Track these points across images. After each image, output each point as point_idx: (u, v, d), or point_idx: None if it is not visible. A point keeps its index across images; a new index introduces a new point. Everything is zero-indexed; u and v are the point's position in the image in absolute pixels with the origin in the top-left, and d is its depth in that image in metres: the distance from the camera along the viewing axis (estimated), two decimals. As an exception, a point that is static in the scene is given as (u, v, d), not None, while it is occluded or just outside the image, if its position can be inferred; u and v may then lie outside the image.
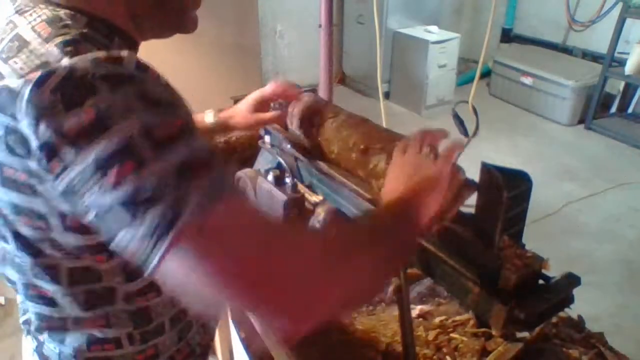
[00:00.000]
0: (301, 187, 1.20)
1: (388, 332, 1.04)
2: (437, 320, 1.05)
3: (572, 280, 0.73)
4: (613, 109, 4.60)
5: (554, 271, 0.74)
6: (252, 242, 0.50)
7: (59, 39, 0.53)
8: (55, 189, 0.51)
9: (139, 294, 0.69)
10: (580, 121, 4.48)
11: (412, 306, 1.06)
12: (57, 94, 0.49)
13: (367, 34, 4.57)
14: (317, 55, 2.81)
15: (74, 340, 0.71)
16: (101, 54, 0.51)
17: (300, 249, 0.53)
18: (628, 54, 4.12)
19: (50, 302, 0.67)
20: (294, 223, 0.58)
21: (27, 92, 0.49)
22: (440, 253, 0.78)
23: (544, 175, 3.66)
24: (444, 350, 0.98)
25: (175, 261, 0.47)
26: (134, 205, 0.48)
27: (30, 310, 0.71)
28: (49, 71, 0.49)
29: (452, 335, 1.02)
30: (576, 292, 0.75)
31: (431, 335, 1.02)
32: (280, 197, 1.16)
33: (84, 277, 0.64)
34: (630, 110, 4.56)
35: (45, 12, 0.57)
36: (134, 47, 0.67)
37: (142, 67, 0.53)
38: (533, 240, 0.85)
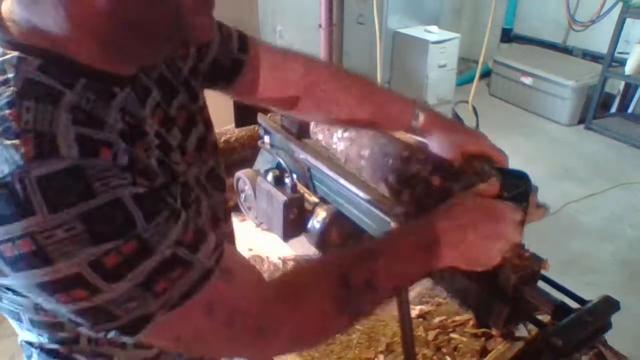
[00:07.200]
0: (301, 187, 1.20)
1: (388, 332, 1.04)
2: (437, 320, 1.05)
3: (610, 304, 0.69)
4: (613, 109, 4.59)
5: (553, 271, 0.74)
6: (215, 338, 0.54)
7: None
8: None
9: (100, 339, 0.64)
10: (580, 121, 4.48)
11: (412, 306, 1.06)
12: None
13: (367, 34, 4.56)
14: (317, 56, 2.81)
15: None
16: (29, 146, 0.42)
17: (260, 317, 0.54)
18: (628, 54, 4.11)
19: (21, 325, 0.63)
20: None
21: None
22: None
23: (544, 175, 3.66)
24: (444, 350, 0.98)
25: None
26: (93, 320, 0.48)
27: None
28: None
29: (452, 335, 1.02)
30: (576, 292, 0.75)
31: (431, 335, 1.02)
32: (280, 197, 1.16)
33: (47, 327, 0.61)
34: (630, 110, 4.56)
35: None
36: (117, 84, 0.54)
37: (90, 149, 0.44)
38: (533, 240, 0.85)
